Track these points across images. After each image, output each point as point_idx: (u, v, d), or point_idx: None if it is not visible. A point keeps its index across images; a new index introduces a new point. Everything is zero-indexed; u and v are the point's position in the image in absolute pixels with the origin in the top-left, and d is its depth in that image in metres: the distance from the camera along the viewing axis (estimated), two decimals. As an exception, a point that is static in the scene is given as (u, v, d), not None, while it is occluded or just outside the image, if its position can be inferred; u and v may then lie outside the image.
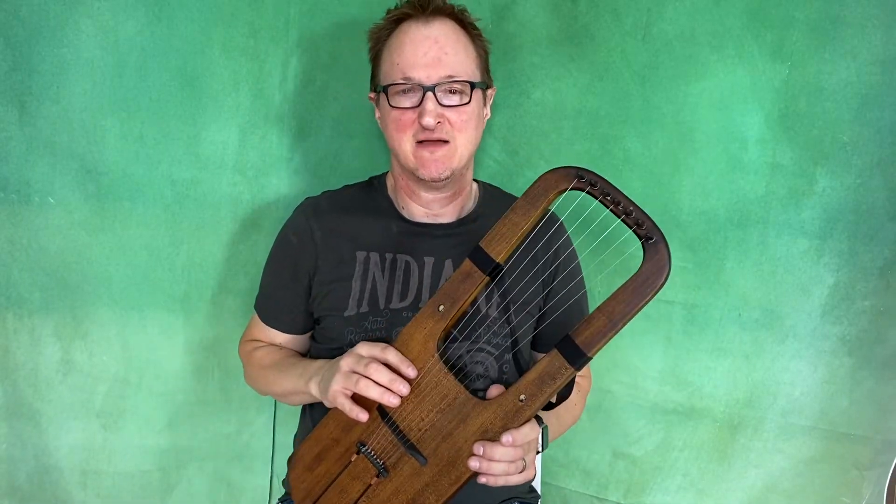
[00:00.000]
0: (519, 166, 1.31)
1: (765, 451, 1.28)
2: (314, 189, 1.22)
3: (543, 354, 1.14)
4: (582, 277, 1.17)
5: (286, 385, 1.08)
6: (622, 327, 0.81)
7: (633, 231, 0.82)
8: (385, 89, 1.03)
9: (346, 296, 1.07)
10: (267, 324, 1.18)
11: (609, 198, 0.83)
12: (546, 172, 0.87)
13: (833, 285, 1.20)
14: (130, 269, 1.26)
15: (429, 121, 0.99)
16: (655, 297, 0.81)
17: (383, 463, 0.92)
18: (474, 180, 1.18)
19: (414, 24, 1.02)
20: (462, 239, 1.11)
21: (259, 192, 1.30)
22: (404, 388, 0.89)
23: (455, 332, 0.96)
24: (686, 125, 1.23)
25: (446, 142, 1.03)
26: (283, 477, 1.18)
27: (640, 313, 1.28)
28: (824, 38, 1.14)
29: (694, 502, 1.33)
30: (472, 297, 0.91)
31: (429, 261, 1.08)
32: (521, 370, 1.04)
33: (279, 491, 1.36)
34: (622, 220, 0.83)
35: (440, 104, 1.01)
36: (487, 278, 0.89)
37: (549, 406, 0.93)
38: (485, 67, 1.09)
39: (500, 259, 0.89)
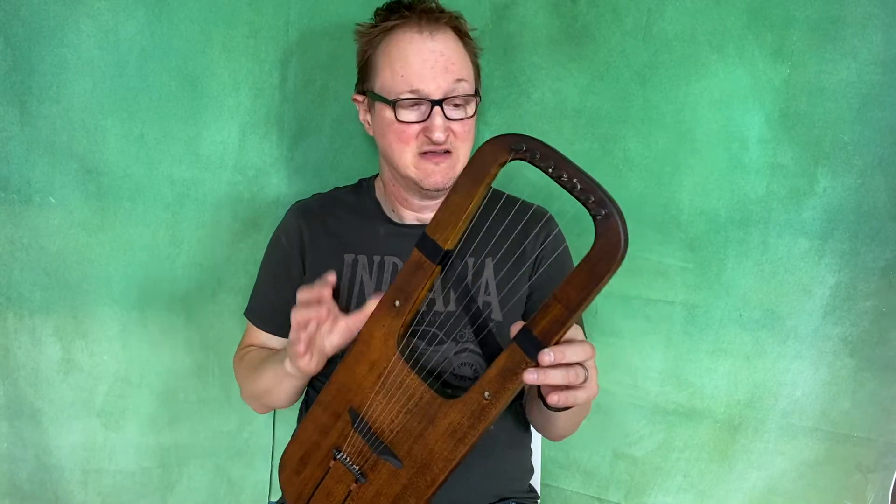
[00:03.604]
0: (518, 166, 1.30)
1: (766, 452, 1.28)
2: (314, 189, 1.22)
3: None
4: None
5: (268, 376, 1.06)
6: (580, 313, 0.75)
7: (583, 205, 0.73)
8: (393, 103, 1.01)
9: (333, 298, 1.07)
10: (259, 327, 1.18)
11: (552, 169, 0.74)
12: (483, 144, 0.80)
13: (834, 286, 1.20)
14: (131, 269, 1.27)
15: (440, 136, 0.99)
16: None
17: (360, 468, 0.91)
18: None
19: (417, 35, 1.00)
20: None
21: (259, 191, 1.30)
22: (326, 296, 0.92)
23: (441, 335, 0.96)
24: (686, 125, 1.22)
25: (449, 152, 1.03)
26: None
27: (640, 313, 1.30)
28: (825, 37, 1.13)
29: (695, 503, 1.33)
30: (426, 289, 0.87)
31: None
32: None
33: (278, 487, 1.37)
34: (570, 193, 0.74)
35: (447, 117, 1.00)
36: (438, 268, 0.85)
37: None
38: (478, 72, 1.09)
39: (447, 246, 0.84)
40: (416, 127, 1.01)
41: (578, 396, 0.79)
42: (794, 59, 1.15)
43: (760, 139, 1.19)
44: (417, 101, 1.00)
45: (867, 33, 1.12)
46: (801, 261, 1.21)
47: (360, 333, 0.91)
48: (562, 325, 0.74)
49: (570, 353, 0.76)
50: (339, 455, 0.92)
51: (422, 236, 0.85)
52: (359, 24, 1.07)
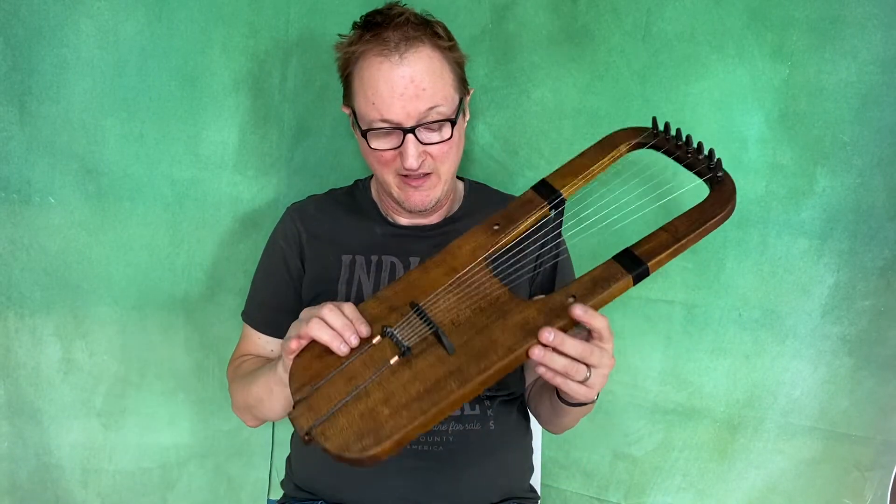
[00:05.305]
0: (519, 166, 1.31)
1: (765, 451, 1.28)
2: (314, 189, 1.22)
3: None
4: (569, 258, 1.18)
5: (260, 383, 0.99)
6: (684, 247, 0.80)
7: (700, 171, 0.86)
8: (364, 133, 1.00)
9: (332, 299, 1.05)
10: (257, 329, 1.14)
11: (682, 142, 0.89)
12: (620, 129, 0.95)
13: (833, 285, 1.20)
14: (131, 269, 1.27)
15: (412, 163, 0.98)
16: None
17: (408, 346, 0.82)
18: (460, 179, 1.19)
19: (387, 60, 0.95)
20: (447, 238, 1.09)
21: (259, 191, 1.30)
22: (354, 339, 0.82)
23: None
24: (686, 125, 1.19)
25: (429, 173, 1.02)
26: (282, 476, 1.18)
27: (640, 313, 1.30)
28: (824, 37, 1.13)
29: (694, 503, 1.33)
30: (527, 223, 0.90)
31: (414, 261, 1.08)
32: None
33: (278, 485, 1.37)
34: (689, 163, 0.88)
35: (421, 143, 0.98)
36: (546, 206, 0.89)
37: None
38: (461, 79, 1.04)
39: (562, 190, 0.90)
40: (392, 152, 1.00)
41: (570, 385, 0.79)
42: (793, 59, 1.16)
43: (760, 139, 1.20)
44: (389, 129, 0.98)
45: (867, 33, 1.12)
46: (800, 260, 1.21)
47: (448, 245, 0.91)
48: (664, 249, 0.79)
49: (591, 319, 0.77)
50: (389, 330, 0.83)
51: (540, 181, 0.92)
52: (340, 36, 1.04)
